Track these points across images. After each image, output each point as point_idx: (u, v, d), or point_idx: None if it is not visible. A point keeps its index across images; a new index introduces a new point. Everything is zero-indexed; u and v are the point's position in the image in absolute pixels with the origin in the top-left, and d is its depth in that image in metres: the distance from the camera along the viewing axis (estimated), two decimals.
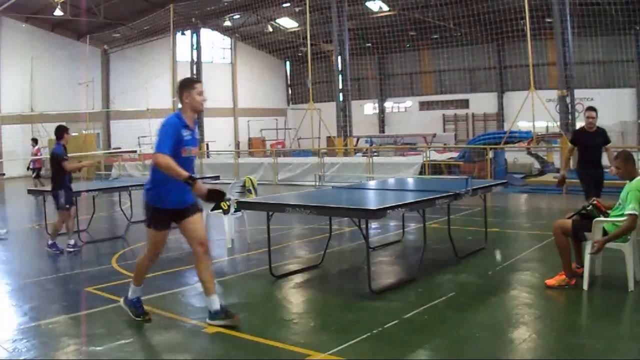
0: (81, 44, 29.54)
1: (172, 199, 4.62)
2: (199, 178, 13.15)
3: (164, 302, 5.39)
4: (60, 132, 7.98)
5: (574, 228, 5.41)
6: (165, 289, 5.82)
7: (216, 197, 4.46)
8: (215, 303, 4.61)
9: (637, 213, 5.05)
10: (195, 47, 28.20)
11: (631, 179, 5.26)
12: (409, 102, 35.00)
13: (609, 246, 5.36)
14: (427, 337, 4.36)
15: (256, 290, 5.92)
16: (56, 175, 7.94)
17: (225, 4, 27.33)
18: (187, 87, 4.65)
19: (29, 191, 10.33)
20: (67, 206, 7.95)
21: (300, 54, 34.20)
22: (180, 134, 4.50)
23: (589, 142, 7.70)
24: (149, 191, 4.68)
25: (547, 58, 26.83)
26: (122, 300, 4.92)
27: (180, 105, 4.67)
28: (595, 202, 5.50)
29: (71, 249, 7.89)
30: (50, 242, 7.97)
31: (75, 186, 8.62)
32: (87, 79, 28.06)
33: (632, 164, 5.44)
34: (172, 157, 4.38)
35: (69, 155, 8.19)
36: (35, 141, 18.96)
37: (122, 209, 11.19)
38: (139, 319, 4.76)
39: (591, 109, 7.83)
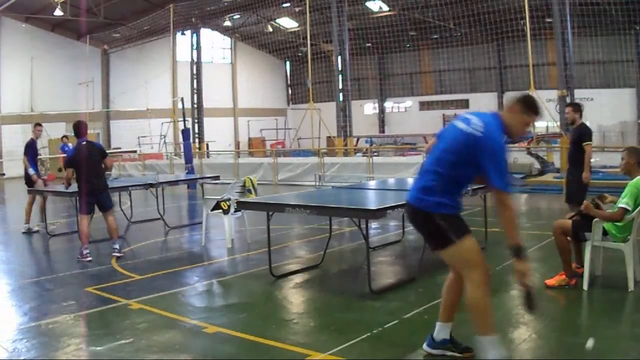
0: (81, 44, 29.55)
1: (459, 201, 3.74)
2: (200, 178, 12.92)
3: (164, 302, 5.39)
4: (87, 127, 7.63)
5: (574, 228, 5.40)
6: (165, 289, 5.82)
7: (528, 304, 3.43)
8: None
9: (628, 208, 5.06)
10: (195, 47, 28.20)
11: (632, 177, 5.25)
12: (409, 102, 35.02)
13: (609, 246, 5.36)
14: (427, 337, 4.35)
15: (256, 290, 5.91)
16: (101, 172, 7.57)
17: (225, 4, 27.33)
18: (527, 107, 3.52)
19: (29, 191, 10.31)
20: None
21: (300, 54, 34.21)
22: None
23: (570, 139, 7.63)
24: (441, 205, 3.58)
25: (547, 58, 26.85)
26: (426, 346, 3.92)
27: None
28: (595, 201, 5.49)
29: (81, 258, 7.25)
30: (117, 245, 7.45)
31: (75, 186, 8.56)
32: (87, 79, 28.08)
33: (636, 159, 5.31)
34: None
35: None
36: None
37: (122, 209, 11.19)
38: (461, 355, 3.84)
39: (568, 104, 7.68)
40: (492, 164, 3.36)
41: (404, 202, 5.85)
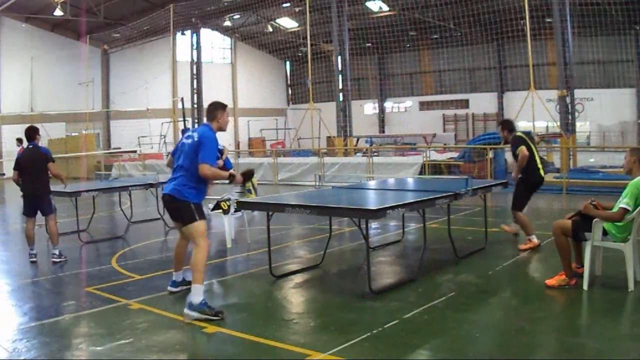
0: (81, 44, 29.56)
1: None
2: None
3: (164, 302, 5.39)
4: (36, 132, 7.55)
5: (574, 228, 5.40)
6: (165, 289, 5.81)
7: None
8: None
9: (629, 208, 5.05)
10: (195, 47, 28.21)
11: (633, 177, 5.24)
12: (409, 102, 35.02)
13: (609, 246, 5.36)
14: (427, 337, 4.36)
15: (256, 290, 5.92)
16: (44, 177, 7.48)
17: (225, 4, 27.33)
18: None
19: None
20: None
21: (300, 54, 34.21)
22: None
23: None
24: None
25: (547, 58, 26.87)
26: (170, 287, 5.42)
27: None
28: (595, 202, 5.49)
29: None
30: (56, 251, 7.41)
31: (75, 186, 8.57)
32: (87, 79, 28.08)
33: (638, 158, 5.26)
34: None
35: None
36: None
37: (122, 209, 11.19)
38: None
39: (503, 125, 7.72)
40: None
41: (403, 202, 5.89)
